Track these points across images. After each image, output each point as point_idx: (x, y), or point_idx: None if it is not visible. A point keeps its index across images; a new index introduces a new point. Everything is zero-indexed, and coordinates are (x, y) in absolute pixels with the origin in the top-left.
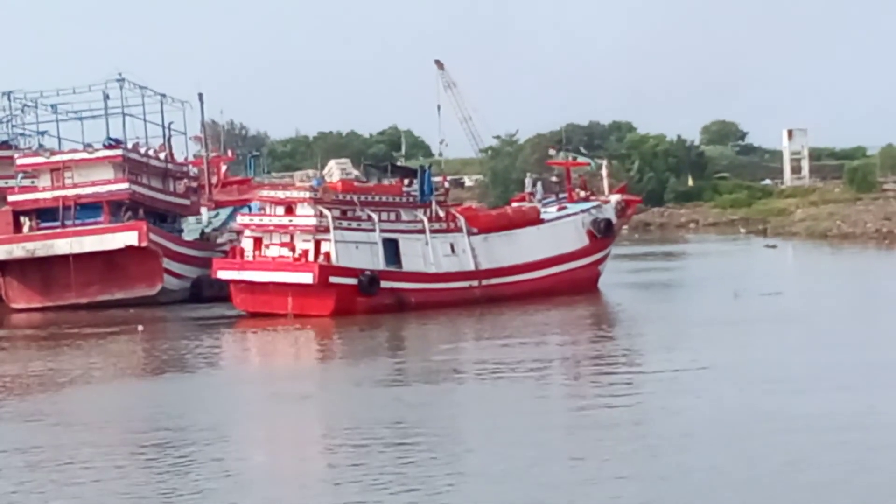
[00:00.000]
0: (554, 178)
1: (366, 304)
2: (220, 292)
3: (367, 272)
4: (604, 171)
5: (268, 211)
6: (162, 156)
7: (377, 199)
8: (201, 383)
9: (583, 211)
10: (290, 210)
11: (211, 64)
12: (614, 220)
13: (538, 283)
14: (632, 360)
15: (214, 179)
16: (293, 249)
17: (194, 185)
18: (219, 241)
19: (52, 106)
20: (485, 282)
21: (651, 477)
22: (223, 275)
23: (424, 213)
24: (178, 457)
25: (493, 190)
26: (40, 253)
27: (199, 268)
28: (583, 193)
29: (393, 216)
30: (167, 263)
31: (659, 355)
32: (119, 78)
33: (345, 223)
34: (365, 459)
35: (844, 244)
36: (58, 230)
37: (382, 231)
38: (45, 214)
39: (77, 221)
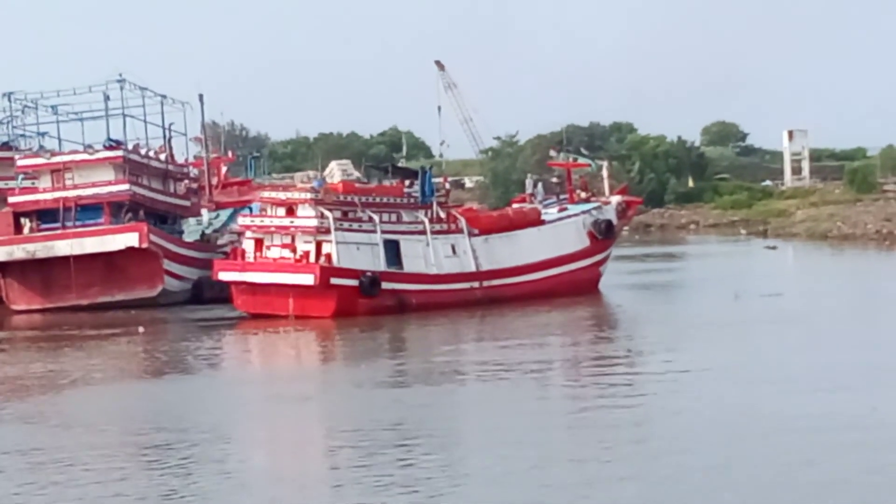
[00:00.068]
0: (554, 179)
1: (367, 306)
2: (221, 293)
3: (369, 273)
4: (604, 173)
5: (269, 212)
6: (162, 157)
7: (378, 200)
8: (202, 385)
9: (583, 212)
10: (291, 211)
11: (211, 64)
12: (615, 221)
13: (539, 284)
14: (632, 361)
15: (215, 181)
16: (294, 251)
17: (195, 186)
18: (220, 242)
19: (53, 107)
20: (486, 283)
21: (651, 478)
22: (224, 276)
23: (425, 214)
24: (178, 458)
25: (493, 191)
26: (41, 254)
27: (199, 269)
28: (583, 194)
29: (394, 217)
30: (168, 265)
31: (659, 356)
32: (119, 79)
33: (346, 224)
34: (366, 461)
35: (845, 245)
36: (58, 231)
37: (383, 232)
38: (46, 216)
39: (77, 223)
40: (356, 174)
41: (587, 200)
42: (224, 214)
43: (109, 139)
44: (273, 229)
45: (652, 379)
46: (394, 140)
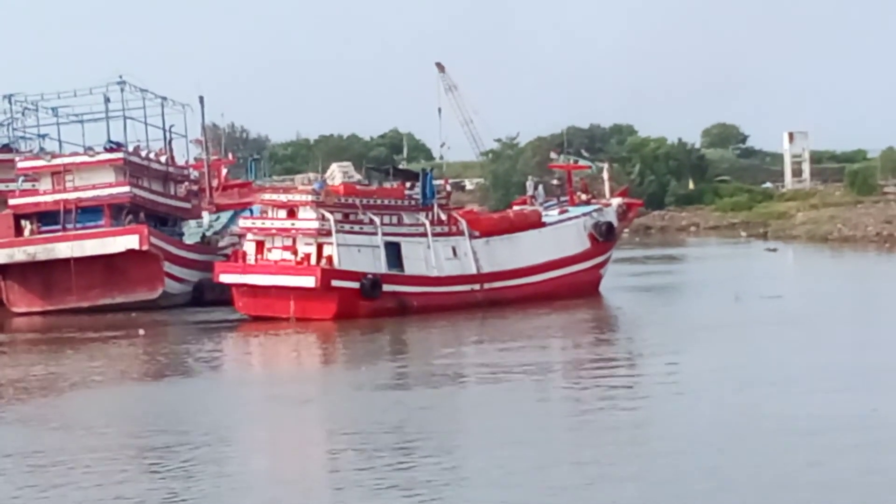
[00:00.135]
0: (555, 182)
1: (368, 308)
2: (222, 296)
3: (370, 276)
4: (605, 175)
5: (270, 214)
6: (163, 159)
7: (379, 202)
8: (203, 387)
9: (584, 214)
10: (292, 213)
11: (211, 65)
12: (616, 223)
13: (540, 286)
14: (633, 362)
15: (215, 183)
16: (295, 253)
17: (195, 188)
18: (221, 244)
19: (53, 109)
20: (486, 285)
21: (652, 479)
22: (225, 278)
23: (426, 216)
24: (179, 460)
25: (493, 193)
26: (41, 256)
27: (200, 271)
28: (584, 197)
29: (395, 219)
30: (168, 267)
31: (660, 358)
32: (120, 81)
33: (347, 226)
34: (367, 463)
35: (845, 247)
36: (59, 234)
37: (384, 234)
38: (46, 218)
39: (78, 225)
40: (357, 176)
41: (588, 202)
42: (224, 217)
43: (110, 141)
44: (274, 231)
45: (652, 381)
46: (394, 142)
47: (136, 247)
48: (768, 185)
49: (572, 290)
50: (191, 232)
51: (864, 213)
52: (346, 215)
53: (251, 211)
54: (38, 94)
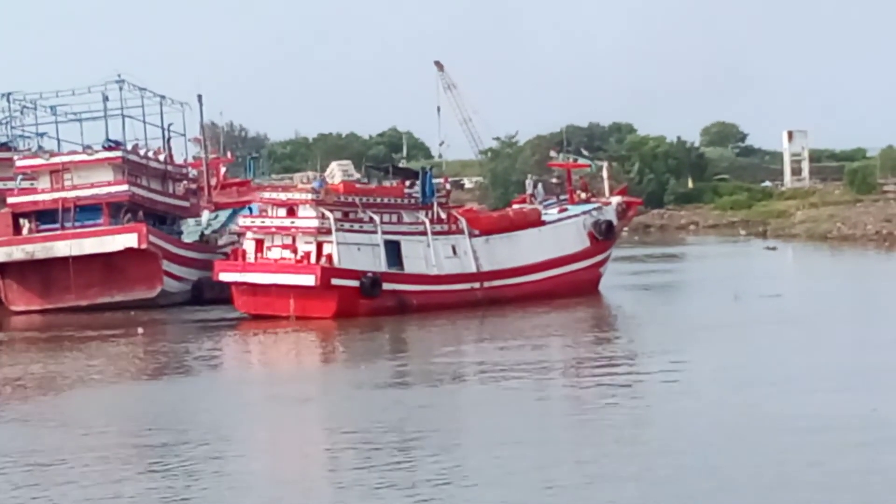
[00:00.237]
0: (554, 180)
1: (368, 306)
2: (221, 294)
3: (369, 274)
4: (604, 173)
5: (269, 213)
6: (161, 157)
7: (379, 200)
8: (202, 386)
9: (584, 213)
10: (291, 212)
11: (210, 64)
12: (615, 221)
13: (539, 284)
14: (632, 361)
15: (214, 181)
16: (295, 251)
17: (194, 187)
18: (220, 242)
19: (52, 107)
20: (486, 284)
21: (652, 478)
22: (225, 277)
23: (426, 214)
24: (178, 459)
25: (492, 192)
26: (40, 255)
27: (199, 270)
28: (584, 195)
29: (395, 218)
30: (167, 265)
31: (659, 357)
32: (118, 79)
33: (346, 225)
34: (367, 462)
35: (844, 246)
36: (57, 232)
37: (384, 233)
38: (45, 216)
39: (76, 223)
40: (357, 175)
41: (587, 201)
42: (223, 215)
43: (108, 140)
44: (274, 230)
45: (652, 379)
46: (393, 140)
47: (135, 245)
48: (767, 183)
49: (572, 288)
50: (189, 230)
51: (863, 211)
52: (345, 214)
53: (250, 209)
54: (37, 92)
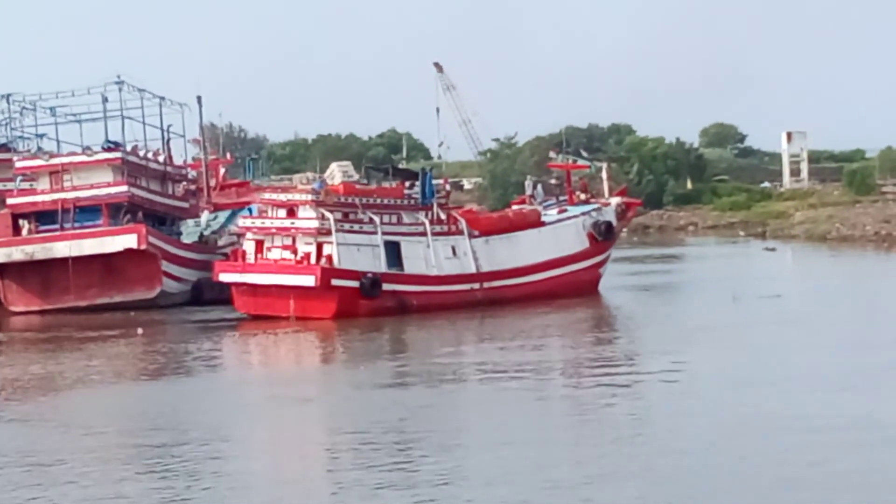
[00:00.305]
0: (553, 181)
1: (368, 307)
2: (221, 295)
3: (369, 275)
4: (604, 174)
5: (269, 214)
6: (161, 158)
7: (379, 201)
8: (202, 386)
9: (583, 213)
10: (291, 213)
11: (210, 65)
12: (615, 222)
13: (539, 285)
14: (632, 362)
15: (213, 182)
16: (295, 252)
17: (193, 187)
18: (220, 243)
19: (51, 108)
20: (486, 284)
21: (651, 477)
22: (225, 277)
23: (426, 215)
24: (178, 460)
25: (491, 193)
26: (39, 256)
27: (198, 271)
28: (583, 196)
29: (394, 219)
30: (166, 266)
31: (658, 358)
32: (118, 81)
33: (346, 226)
34: (366, 463)
35: (843, 247)
36: (57, 233)
37: (384, 233)
38: (44, 217)
39: (76, 224)
40: (356, 176)
41: (587, 202)
42: (222, 216)
43: (108, 141)
44: (274, 231)
45: (651, 379)
46: (392, 141)
47: (135, 246)
48: (766, 184)
49: (571, 289)
50: (188, 231)
51: (862, 212)
52: (345, 214)
53: (250, 210)
54: (37, 93)
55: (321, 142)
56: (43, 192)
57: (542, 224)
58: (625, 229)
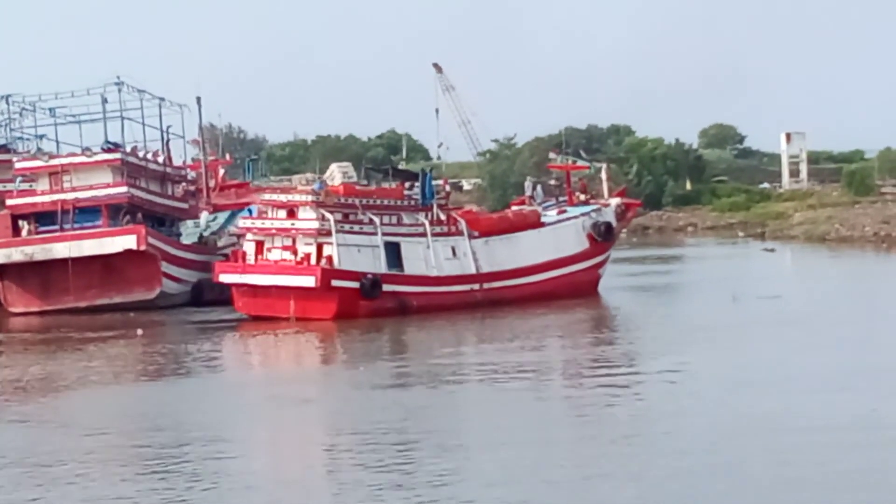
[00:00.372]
0: (553, 182)
1: (368, 308)
2: (221, 296)
3: (369, 275)
4: (603, 175)
5: (269, 214)
6: (160, 159)
7: (379, 202)
8: (202, 387)
9: (583, 214)
10: (291, 213)
11: (210, 65)
12: (614, 223)
13: (539, 286)
14: (631, 362)
15: (213, 183)
16: (295, 253)
17: (192, 188)
18: (220, 244)
19: (51, 109)
20: (486, 285)
21: (651, 478)
22: (225, 278)
23: (426, 216)
24: (178, 460)
25: (491, 193)
26: (39, 257)
27: (197, 271)
28: (582, 197)
29: (394, 219)
30: (166, 267)
31: (658, 358)
32: (117, 81)
33: (347, 226)
34: (366, 463)
35: (843, 248)
36: (56, 234)
37: (384, 234)
38: (44, 218)
39: (76, 225)
40: (356, 177)
41: (586, 203)
42: (222, 217)
43: (107, 142)
44: (274, 231)
45: (651, 380)
46: (391, 142)
47: (134, 247)
48: (766, 185)
49: (571, 289)
50: (188, 232)
51: (861, 213)
52: (345, 215)
53: (250, 211)
54: (36, 94)
55: (321, 142)
56: (42, 193)
57: (542, 225)
58: (624, 230)
